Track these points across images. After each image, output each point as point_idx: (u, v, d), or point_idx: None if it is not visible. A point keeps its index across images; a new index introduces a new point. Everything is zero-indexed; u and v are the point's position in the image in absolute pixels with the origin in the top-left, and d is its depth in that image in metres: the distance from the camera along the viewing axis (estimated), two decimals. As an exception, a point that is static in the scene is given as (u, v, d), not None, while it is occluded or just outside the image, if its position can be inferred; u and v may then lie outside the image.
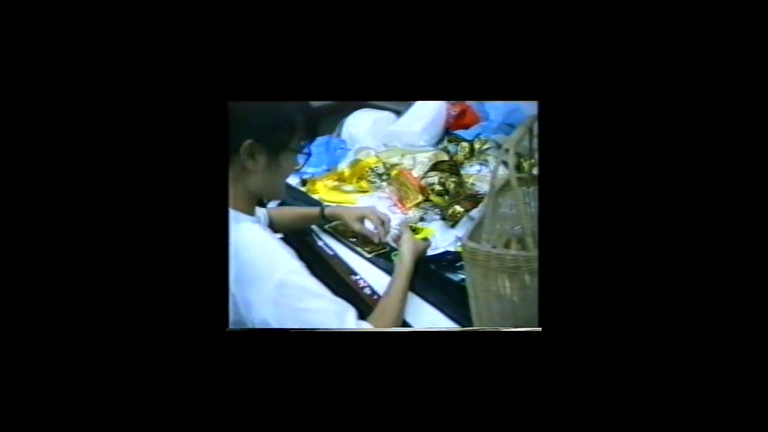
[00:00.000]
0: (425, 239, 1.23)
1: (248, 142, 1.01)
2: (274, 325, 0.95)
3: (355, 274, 1.20)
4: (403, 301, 1.08)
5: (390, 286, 1.10)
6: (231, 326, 0.97)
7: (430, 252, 1.26)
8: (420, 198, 1.37)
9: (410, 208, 1.37)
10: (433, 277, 1.19)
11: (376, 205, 1.40)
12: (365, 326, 1.03)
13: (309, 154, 1.11)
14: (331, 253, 1.29)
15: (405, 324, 1.05)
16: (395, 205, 1.41)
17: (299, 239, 1.25)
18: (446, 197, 1.33)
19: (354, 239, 1.32)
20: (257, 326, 0.96)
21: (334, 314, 1.00)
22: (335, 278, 1.15)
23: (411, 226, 1.24)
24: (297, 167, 1.11)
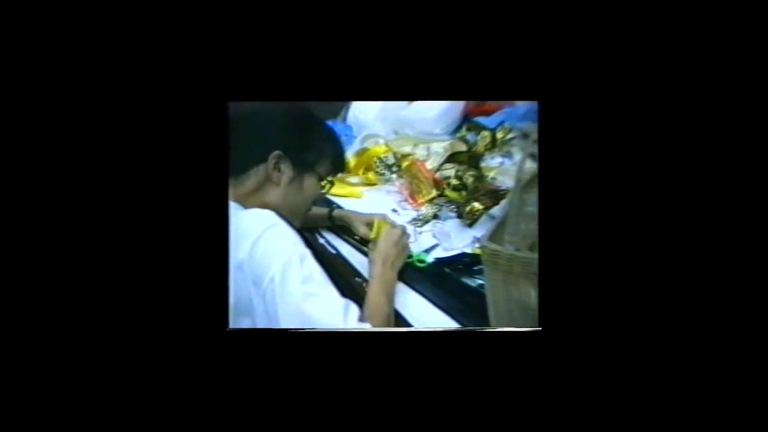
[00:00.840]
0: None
1: (277, 152, 1.06)
2: (277, 301, 0.97)
3: (360, 276, 1.14)
4: (384, 288, 1.06)
5: (369, 275, 1.10)
6: (234, 306, 1.00)
7: (444, 254, 1.19)
8: (434, 193, 1.30)
9: (422, 203, 1.30)
10: (447, 281, 1.12)
11: (386, 200, 1.34)
12: (364, 325, 1.03)
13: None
14: (333, 252, 1.23)
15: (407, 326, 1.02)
16: (406, 200, 1.34)
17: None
18: (463, 192, 1.26)
19: (359, 237, 1.25)
20: (263, 302, 0.98)
21: (336, 305, 1.00)
22: (337, 280, 1.07)
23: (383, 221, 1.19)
24: (318, 194, 1.14)
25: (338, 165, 1.18)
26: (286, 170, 1.08)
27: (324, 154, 1.13)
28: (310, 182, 1.12)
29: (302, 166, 1.10)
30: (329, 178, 1.15)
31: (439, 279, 1.13)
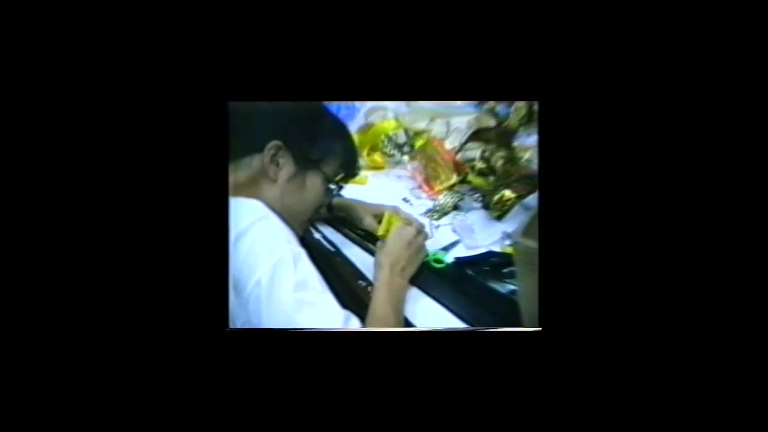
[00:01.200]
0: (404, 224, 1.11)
1: (275, 142, 1.01)
2: (262, 310, 0.96)
3: (364, 278, 1.06)
4: (391, 299, 1.01)
5: (374, 280, 1.04)
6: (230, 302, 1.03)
7: (466, 252, 1.11)
8: (454, 178, 1.24)
9: (440, 191, 1.24)
10: (470, 286, 1.05)
11: (395, 186, 1.29)
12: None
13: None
14: (331, 249, 1.15)
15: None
16: (420, 187, 1.27)
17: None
18: (491, 178, 1.19)
19: (363, 231, 1.17)
20: (246, 311, 0.99)
21: (335, 317, 0.97)
22: (336, 285, 1.01)
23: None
24: (323, 198, 1.10)
25: (348, 166, 1.11)
26: (286, 165, 1.02)
27: (332, 151, 1.07)
28: (313, 182, 1.05)
29: (305, 161, 1.04)
30: (337, 180, 1.09)
31: (461, 283, 1.07)
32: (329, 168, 1.06)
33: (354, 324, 0.98)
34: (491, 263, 1.07)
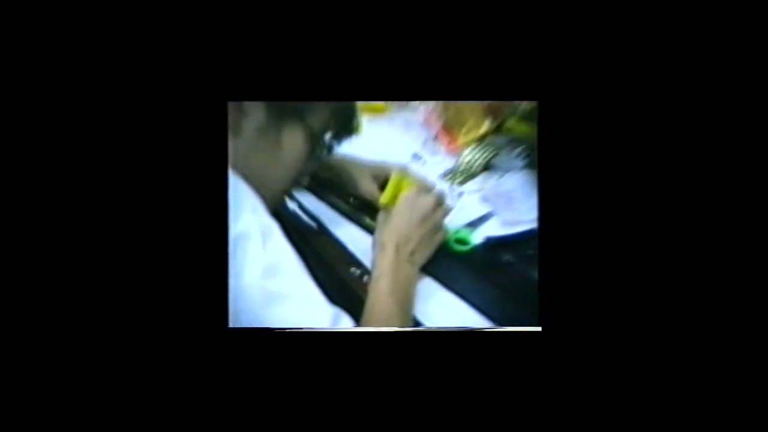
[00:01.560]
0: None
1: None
2: (240, 288, 0.84)
3: (358, 264, 0.91)
4: (396, 291, 0.87)
5: (372, 266, 0.91)
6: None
7: (502, 230, 0.96)
8: (487, 125, 1.07)
9: (466, 143, 1.08)
10: (506, 276, 0.90)
11: (401, 137, 1.15)
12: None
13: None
14: (312, 225, 1.00)
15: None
16: (437, 137, 1.14)
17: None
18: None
19: (358, 200, 1.03)
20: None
21: (319, 315, 0.82)
22: (319, 272, 0.85)
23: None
24: (308, 161, 0.92)
25: (342, 115, 0.95)
26: (253, 111, 0.90)
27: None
28: (293, 138, 0.90)
29: (280, 108, 0.91)
30: (328, 138, 0.93)
31: (493, 272, 0.91)
32: (315, 119, 0.91)
33: (345, 325, 0.83)
34: (536, 246, 0.91)
